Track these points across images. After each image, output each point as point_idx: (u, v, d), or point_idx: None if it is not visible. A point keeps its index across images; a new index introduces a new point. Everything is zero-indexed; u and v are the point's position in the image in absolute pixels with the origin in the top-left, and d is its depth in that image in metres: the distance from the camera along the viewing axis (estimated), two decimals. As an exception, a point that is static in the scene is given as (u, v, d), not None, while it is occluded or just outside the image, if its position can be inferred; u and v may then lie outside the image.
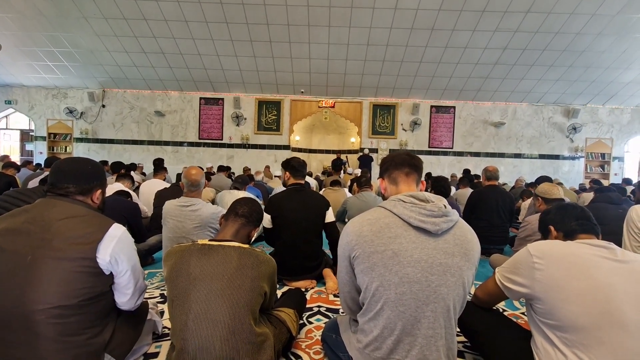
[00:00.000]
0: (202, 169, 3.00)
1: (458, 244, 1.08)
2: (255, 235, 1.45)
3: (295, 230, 2.30)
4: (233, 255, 1.22)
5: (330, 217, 2.42)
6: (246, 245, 1.28)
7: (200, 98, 10.44)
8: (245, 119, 10.41)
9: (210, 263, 1.19)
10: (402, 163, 1.22)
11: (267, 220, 2.36)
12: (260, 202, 4.22)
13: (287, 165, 2.50)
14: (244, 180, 3.81)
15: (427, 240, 1.06)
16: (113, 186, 3.36)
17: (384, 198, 1.30)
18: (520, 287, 1.12)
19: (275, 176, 7.43)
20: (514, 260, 1.16)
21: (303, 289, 2.33)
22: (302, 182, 2.45)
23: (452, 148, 10.46)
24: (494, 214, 3.40)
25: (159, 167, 4.72)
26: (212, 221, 2.21)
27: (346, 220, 3.71)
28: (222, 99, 10.44)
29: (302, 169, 2.45)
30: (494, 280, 1.22)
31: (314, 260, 2.39)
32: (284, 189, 4.42)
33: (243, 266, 1.20)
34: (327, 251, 2.75)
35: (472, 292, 1.37)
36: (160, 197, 3.35)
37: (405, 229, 1.07)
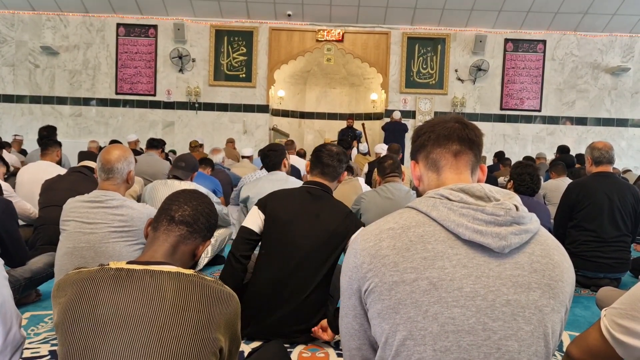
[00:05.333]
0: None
1: (537, 269, 1.08)
2: (204, 252, 1.46)
3: (292, 261, 2.30)
4: (167, 287, 1.22)
5: None
6: (190, 271, 1.27)
7: (119, 25, 10.37)
8: (193, 60, 10.37)
9: (130, 300, 1.19)
10: (448, 136, 1.21)
11: (254, 217, 2.35)
12: (218, 199, 4.25)
13: (314, 152, 2.56)
14: (190, 163, 3.81)
15: (486, 264, 1.07)
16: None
17: (419, 194, 1.29)
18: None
19: (244, 157, 7.44)
20: (636, 296, 1.17)
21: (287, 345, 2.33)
22: (329, 183, 2.49)
23: (539, 111, 10.47)
24: (606, 221, 3.42)
25: (50, 141, 4.72)
26: (141, 229, 2.22)
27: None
28: (155, 27, 10.37)
29: (335, 162, 2.46)
30: (599, 329, 1.24)
31: (309, 318, 2.37)
32: (260, 176, 4.46)
33: (184, 306, 1.20)
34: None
35: (564, 350, 1.38)
36: (51, 191, 3.35)
37: (451, 244, 1.07)
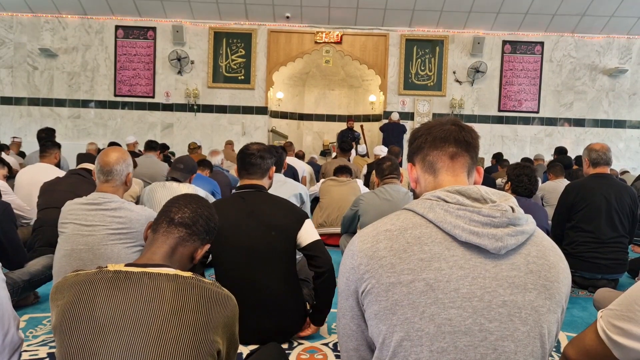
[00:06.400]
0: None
1: (533, 270, 1.09)
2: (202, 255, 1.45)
3: (243, 263, 2.33)
4: (165, 289, 1.22)
5: (309, 234, 2.39)
6: (188, 274, 1.28)
7: (117, 27, 10.38)
8: (192, 62, 10.38)
9: (128, 303, 1.20)
10: (445, 138, 1.22)
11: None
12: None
13: (237, 157, 2.58)
14: (189, 165, 3.81)
15: (482, 265, 1.07)
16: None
17: (416, 195, 1.30)
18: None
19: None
20: (632, 297, 1.16)
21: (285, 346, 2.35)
22: (258, 182, 2.51)
23: (537, 112, 10.48)
24: (603, 222, 3.44)
25: (49, 142, 4.72)
26: (140, 231, 2.23)
27: (358, 230, 3.73)
28: (154, 29, 10.38)
29: (257, 160, 2.50)
30: (595, 330, 1.24)
31: (286, 318, 2.37)
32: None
33: (182, 308, 1.20)
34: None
35: (562, 351, 1.39)
36: (50, 193, 3.35)
37: (448, 246, 1.08)
